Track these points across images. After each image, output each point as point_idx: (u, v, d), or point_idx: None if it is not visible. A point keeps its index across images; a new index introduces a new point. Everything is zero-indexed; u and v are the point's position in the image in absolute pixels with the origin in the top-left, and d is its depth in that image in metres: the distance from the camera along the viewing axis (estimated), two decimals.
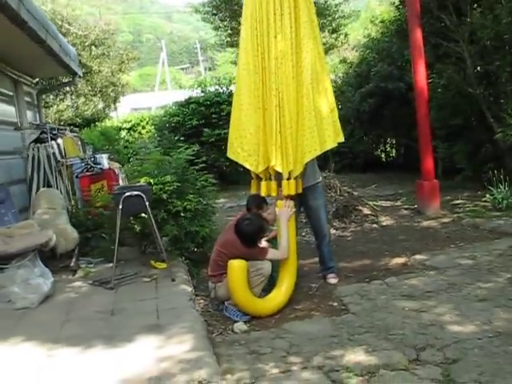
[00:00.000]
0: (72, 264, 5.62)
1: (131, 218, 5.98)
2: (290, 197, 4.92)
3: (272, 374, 3.30)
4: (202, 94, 13.99)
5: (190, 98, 13.95)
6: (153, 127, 15.11)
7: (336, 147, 5.24)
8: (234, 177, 13.21)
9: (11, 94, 7.84)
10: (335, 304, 4.67)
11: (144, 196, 4.99)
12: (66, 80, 9.65)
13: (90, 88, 14.94)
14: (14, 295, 4.60)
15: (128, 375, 3.10)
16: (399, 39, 11.15)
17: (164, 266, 5.52)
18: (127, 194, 4.95)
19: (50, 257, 5.58)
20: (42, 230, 5.19)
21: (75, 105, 15.20)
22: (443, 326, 3.81)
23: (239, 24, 13.72)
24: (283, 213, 4.86)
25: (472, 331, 3.66)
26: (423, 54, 8.30)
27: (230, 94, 13.90)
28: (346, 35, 16.72)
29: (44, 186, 6.81)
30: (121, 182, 7.91)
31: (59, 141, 7.15)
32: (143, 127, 15.82)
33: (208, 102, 13.50)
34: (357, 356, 3.45)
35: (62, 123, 14.45)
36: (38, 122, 8.84)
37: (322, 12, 14.35)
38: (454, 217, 7.91)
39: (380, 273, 5.49)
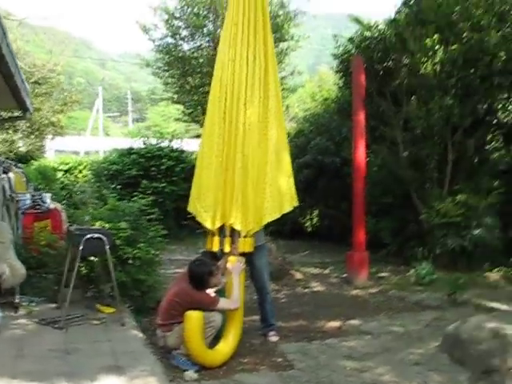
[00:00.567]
0: (17, 300, 5.60)
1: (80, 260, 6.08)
2: (241, 254, 5.24)
3: None
4: (143, 146, 14.19)
5: (131, 149, 14.13)
6: (90, 172, 15.13)
7: None
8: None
9: None
10: (279, 360, 4.94)
11: (105, 239, 5.14)
12: (15, 115, 9.54)
13: (28, 125, 14.82)
14: None
15: None
16: (340, 117, 11.96)
17: (111, 310, 5.63)
18: (88, 235, 5.08)
19: None
20: None
21: (10, 139, 14.98)
22: None
23: (187, 83, 14.31)
24: (236, 268, 5.14)
25: None
26: (364, 134, 9.01)
27: (172, 150, 14.23)
28: (287, 107, 17.58)
29: None
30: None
31: (10, 175, 7.15)
32: (80, 171, 15.76)
33: (149, 155, 13.74)
34: None
35: None
36: None
37: None
38: (380, 288, 8.42)
39: (317, 334, 5.82)
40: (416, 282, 8.45)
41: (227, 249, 5.22)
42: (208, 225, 5.21)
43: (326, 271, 10.14)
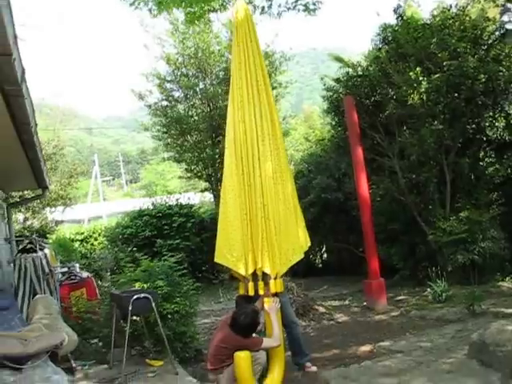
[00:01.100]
0: (74, 365, 5.97)
1: (121, 321, 6.49)
2: (275, 294, 5.69)
3: None
4: (152, 207, 14.76)
5: (142, 211, 14.69)
6: (105, 239, 15.65)
7: None
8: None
9: None
10: None
11: (151, 298, 5.58)
12: (37, 194, 10.06)
13: (38, 201, 15.31)
14: None
15: None
16: (337, 155, 12.55)
17: (160, 363, 6.00)
18: (136, 296, 5.52)
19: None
20: (53, 332, 5.60)
21: (23, 218, 15.47)
22: None
23: (186, 141, 14.90)
24: (272, 308, 5.57)
25: None
26: (364, 168, 9.55)
27: (181, 207, 14.80)
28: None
29: (30, 294, 7.19)
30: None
31: (46, 250, 7.62)
32: (95, 239, 16.26)
33: (160, 214, 14.32)
34: None
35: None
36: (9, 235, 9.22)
37: None
38: (401, 310, 8.82)
39: (352, 359, 6.21)
40: (433, 300, 8.86)
41: (261, 291, 5.65)
42: (242, 272, 5.63)
43: (346, 302, 10.51)
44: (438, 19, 10.10)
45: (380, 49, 10.65)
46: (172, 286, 6.71)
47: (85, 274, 7.99)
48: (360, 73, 11.18)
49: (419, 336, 6.85)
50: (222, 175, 14.66)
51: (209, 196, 17.42)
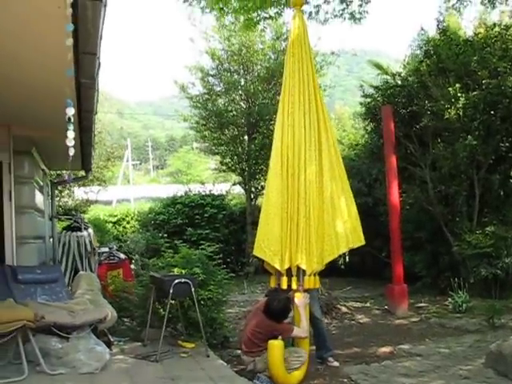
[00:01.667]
0: (112, 340, 6.43)
1: (157, 303, 6.93)
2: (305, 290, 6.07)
3: None
4: (186, 195, 15.24)
5: (175, 199, 15.18)
6: (137, 223, 16.20)
7: None
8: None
9: (41, 184, 8.75)
10: (345, 380, 5.71)
11: (191, 283, 6.00)
12: (81, 175, 10.54)
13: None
14: (78, 362, 5.40)
15: None
16: (370, 160, 12.84)
17: (192, 345, 6.43)
18: (177, 280, 5.95)
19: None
20: (97, 307, 6.06)
21: (58, 196, 16.03)
22: None
23: (223, 134, 15.31)
24: (302, 302, 5.97)
25: None
26: (396, 176, 9.84)
27: (214, 198, 15.27)
28: None
29: (72, 270, 7.69)
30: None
31: (90, 230, 8.11)
32: (128, 222, 16.77)
33: (193, 204, 14.81)
34: None
35: None
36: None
37: None
38: (421, 317, 9.13)
39: (373, 358, 6.57)
40: (454, 310, 9.14)
41: (294, 286, 6.04)
42: (278, 266, 6.03)
43: (367, 304, 10.82)
44: (480, 36, 10.33)
45: (421, 61, 10.87)
46: (207, 274, 7.12)
47: (122, 256, 8.45)
48: (399, 82, 11.44)
49: (438, 342, 7.17)
50: (254, 170, 15.20)
51: (237, 189, 17.78)
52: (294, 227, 6.01)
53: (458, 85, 9.79)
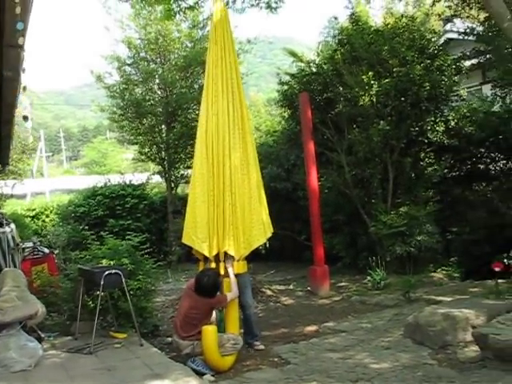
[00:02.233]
0: (42, 335, 6.36)
1: (85, 295, 6.89)
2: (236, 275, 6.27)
3: None
4: (107, 187, 15.04)
5: (95, 190, 14.93)
6: (56, 216, 15.78)
7: None
8: None
9: None
10: (276, 359, 5.96)
11: (122, 274, 6.03)
12: None
13: None
14: (10, 360, 5.33)
15: None
16: (288, 146, 13.18)
17: (124, 335, 6.48)
18: (107, 272, 5.96)
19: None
20: (27, 303, 5.96)
21: None
22: (366, 366, 5.26)
23: (141, 124, 15.17)
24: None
25: (387, 367, 5.15)
26: (315, 161, 10.19)
27: (134, 188, 15.14)
28: None
29: None
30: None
31: (12, 226, 7.89)
32: (47, 216, 16.31)
33: (113, 195, 14.63)
34: None
35: None
36: None
37: None
38: (342, 295, 9.55)
39: (300, 337, 6.87)
40: (372, 287, 9.64)
41: (222, 272, 6.21)
42: (206, 253, 6.18)
43: (291, 286, 11.15)
44: (389, 27, 10.83)
45: (336, 50, 11.25)
46: (135, 264, 7.16)
47: (46, 250, 8.29)
48: (314, 70, 11.78)
49: (360, 318, 7.57)
50: (174, 159, 15.17)
51: (156, 178, 17.68)
52: (221, 214, 6.18)
53: (370, 73, 10.23)
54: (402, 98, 10.40)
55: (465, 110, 11.60)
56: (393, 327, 6.73)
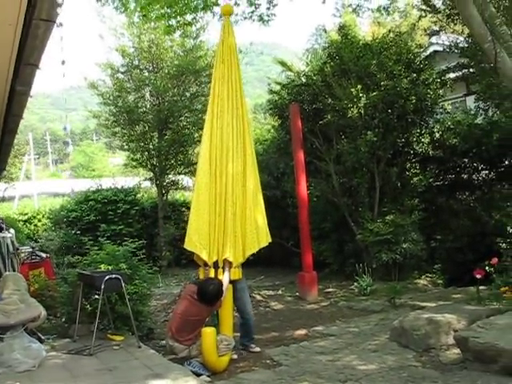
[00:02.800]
0: (43, 338, 6.59)
1: (83, 299, 7.13)
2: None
3: None
4: (99, 192, 15.27)
5: (88, 195, 15.15)
6: (48, 220, 15.96)
7: None
8: None
9: None
10: (268, 361, 6.24)
11: (122, 278, 6.29)
12: None
13: None
14: (15, 361, 5.56)
15: None
16: (278, 156, 13.49)
17: (121, 338, 6.72)
18: (108, 276, 6.21)
19: None
20: (29, 306, 6.20)
21: None
22: (354, 368, 5.57)
23: (133, 131, 15.41)
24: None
25: (375, 368, 5.47)
26: (305, 170, 10.50)
27: (126, 194, 15.37)
28: None
29: None
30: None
31: (12, 231, 8.10)
32: (39, 220, 16.47)
33: (105, 200, 14.88)
34: None
35: None
36: None
37: None
38: (330, 301, 9.86)
39: (290, 340, 7.15)
40: (359, 293, 9.97)
41: (221, 278, 6.49)
42: (206, 258, 6.46)
43: (280, 292, 11.43)
44: (377, 41, 11.21)
45: (325, 63, 11.59)
46: (132, 269, 7.41)
47: (44, 255, 8.52)
48: (304, 80, 12.11)
49: (348, 323, 7.88)
50: (165, 166, 15.43)
51: (145, 183, 17.90)
52: (222, 223, 6.47)
53: (359, 86, 10.59)
54: (389, 111, 10.79)
55: (449, 123, 12.01)
56: (379, 331, 7.04)
